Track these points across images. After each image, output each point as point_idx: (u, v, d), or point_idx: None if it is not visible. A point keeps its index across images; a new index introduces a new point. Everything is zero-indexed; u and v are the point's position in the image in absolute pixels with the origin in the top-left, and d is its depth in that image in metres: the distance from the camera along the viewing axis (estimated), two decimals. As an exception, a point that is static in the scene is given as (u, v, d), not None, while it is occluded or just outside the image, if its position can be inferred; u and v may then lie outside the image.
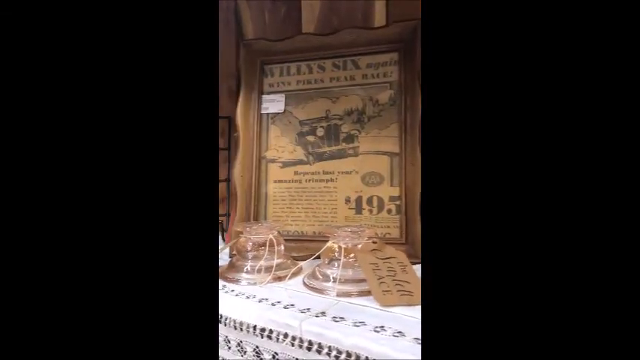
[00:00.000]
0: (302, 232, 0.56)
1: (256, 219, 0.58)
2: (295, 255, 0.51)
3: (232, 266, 0.47)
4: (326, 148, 0.56)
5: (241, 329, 0.36)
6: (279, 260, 0.46)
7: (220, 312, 0.38)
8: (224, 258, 0.54)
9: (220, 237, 0.65)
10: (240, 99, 0.59)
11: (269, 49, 0.59)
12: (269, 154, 0.59)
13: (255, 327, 0.35)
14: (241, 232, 0.48)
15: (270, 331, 0.34)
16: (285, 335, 0.33)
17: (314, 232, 0.55)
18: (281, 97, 0.58)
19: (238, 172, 0.57)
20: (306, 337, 0.32)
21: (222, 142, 0.78)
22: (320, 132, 0.57)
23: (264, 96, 0.60)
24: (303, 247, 0.54)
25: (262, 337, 0.34)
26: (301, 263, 0.47)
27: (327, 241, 0.44)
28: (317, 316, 0.34)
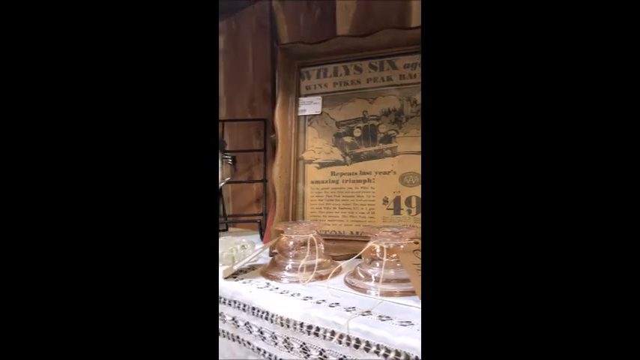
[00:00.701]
0: (339, 232, 0.57)
1: (294, 219, 0.59)
2: (334, 254, 0.52)
3: (274, 264, 0.49)
4: (363, 149, 0.56)
5: (288, 326, 0.37)
6: (320, 259, 0.47)
7: (266, 309, 0.39)
8: (264, 256, 0.56)
9: (259, 235, 0.67)
10: (278, 102, 0.60)
11: (306, 52, 0.60)
12: (306, 156, 0.60)
13: (302, 324, 0.36)
14: (282, 231, 0.49)
15: (317, 329, 0.35)
16: (333, 333, 0.34)
17: (351, 232, 0.56)
18: (318, 99, 0.59)
19: (277, 173, 0.59)
20: (354, 335, 0.33)
21: (258, 144, 0.80)
22: (357, 133, 0.57)
23: (301, 98, 0.61)
24: (340, 247, 0.54)
25: (309, 335, 0.35)
26: (342, 263, 0.48)
27: (366, 241, 0.44)
28: (363, 315, 0.34)
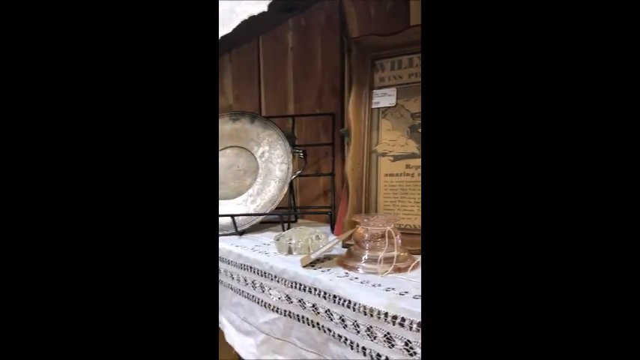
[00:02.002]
0: (414, 225, 0.56)
1: (366, 212, 0.59)
2: (409, 248, 0.51)
3: (350, 255, 0.49)
4: (440, 141, 0.55)
5: (371, 315, 0.37)
6: (398, 252, 0.47)
7: (348, 297, 0.40)
8: (337, 248, 0.56)
9: (329, 227, 0.68)
10: (352, 95, 0.61)
11: (379, 44, 0.60)
12: (380, 148, 0.59)
13: (386, 314, 0.36)
14: (358, 223, 0.50)
15: (403, 319, 0.35)
16: (419, 324, 0.34)
17: (426, 227, 0.55)
18: (392, 91, 0.59)
19: (349, 165, 0.59)
20: (443, 328, 0.32)
21: (325, 138, 0.81)
22: (433, 125, 0.56)
23: (374, 91, 0.61)
24: (415, 241, 0.53)
25: (394, 325, 0.35)
26: (417, 257, 0.47)
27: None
28: (451, 309, 0.34)
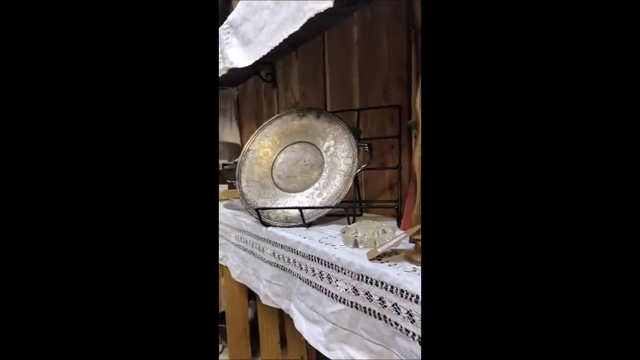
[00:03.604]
0: (487, 221, 0.53)
1: (435, 206, 0.57)
2: (482, 245, 0.49)
3: (418, 250, 0.49)
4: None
5: (441, 312, 0.37)
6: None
7: (416, 292, 0.40)
8: (404, 242, 0.56)
9: (395, 221, 0.67)
10: (420, 86, 0.59)
11: (450, 31, 0.57)
12: (449, 141, 0.57)
13: (457, 311, 0.35)
14: (426, 218, 0.49)
15: (475, 318, 0.34)
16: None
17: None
18: (463, 80, 0.56)
19: (418, 158, 0.58)
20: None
21: (391, 131, 0.80)
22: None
23: (444, 81, 0.58)
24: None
25: (466, 323, 0.34)
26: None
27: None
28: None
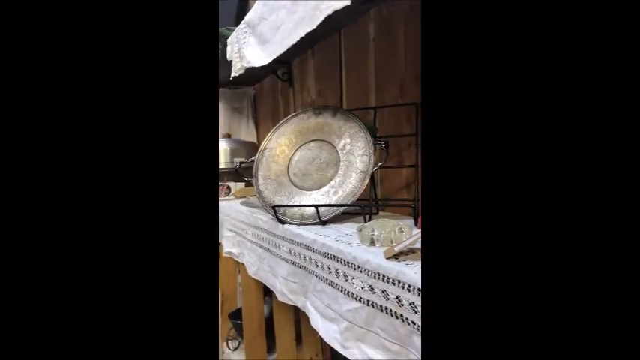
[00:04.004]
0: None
1: (453, 205, 0.57)
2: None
3: (436, 249, 0.48)
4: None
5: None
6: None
7: (434, 291, 0.39)
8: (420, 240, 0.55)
9: (412, 220, 0.67)
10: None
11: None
12: (468, 138, 0.56)
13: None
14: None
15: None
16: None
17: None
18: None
19: (435, 157, 0.57)
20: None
21: (409, 129, 0.80)
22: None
23: (462, 77, 0.57)
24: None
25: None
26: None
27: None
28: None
